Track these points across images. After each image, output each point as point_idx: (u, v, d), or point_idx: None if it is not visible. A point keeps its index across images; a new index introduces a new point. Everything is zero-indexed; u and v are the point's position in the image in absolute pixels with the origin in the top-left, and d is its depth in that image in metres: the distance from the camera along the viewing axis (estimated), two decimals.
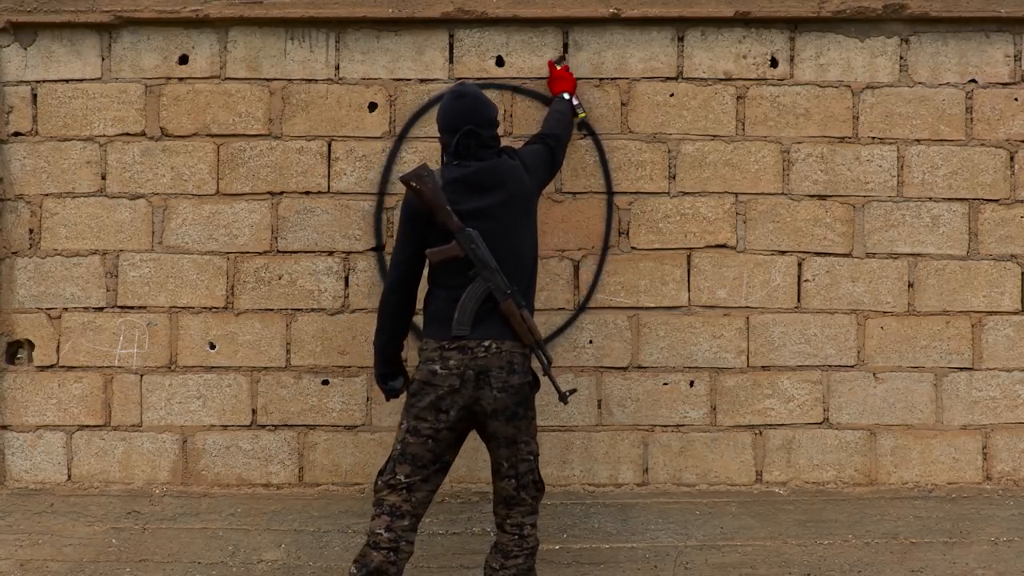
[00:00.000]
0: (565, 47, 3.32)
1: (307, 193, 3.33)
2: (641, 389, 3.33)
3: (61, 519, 3.21)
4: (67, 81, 3.33)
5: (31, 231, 3.34)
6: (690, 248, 3.33)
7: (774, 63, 3.34)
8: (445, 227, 2.49)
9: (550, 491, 3.29)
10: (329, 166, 3.33)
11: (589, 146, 3.32)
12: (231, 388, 3.33)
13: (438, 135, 2.66)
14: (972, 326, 3.35)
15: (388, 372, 2.65)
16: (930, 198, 3.35)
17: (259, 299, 3.32)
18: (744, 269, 3.34)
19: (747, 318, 3.34)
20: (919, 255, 3.35)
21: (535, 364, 2.60)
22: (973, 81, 3.35)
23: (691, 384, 3.33)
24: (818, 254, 3.34)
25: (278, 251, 3.33)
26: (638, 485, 3.33)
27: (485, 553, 2.63)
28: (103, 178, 3.34)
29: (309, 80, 3.32)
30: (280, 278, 3.33)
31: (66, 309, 3.33)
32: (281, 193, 3.33)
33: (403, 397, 2.61)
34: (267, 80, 3.33)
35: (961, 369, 3.35)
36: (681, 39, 3.34)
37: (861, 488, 3.34)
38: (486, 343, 2.47)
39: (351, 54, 3.32)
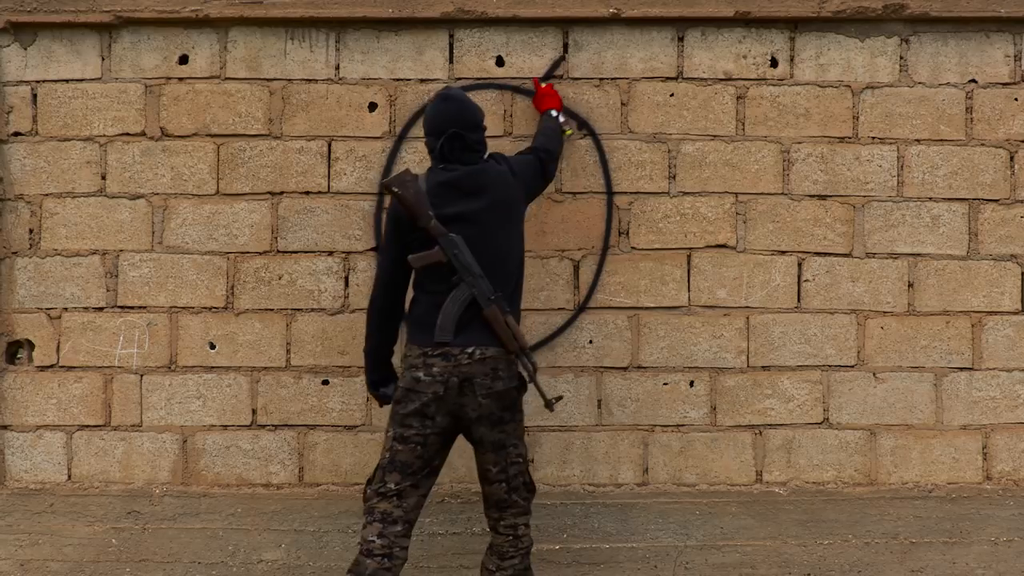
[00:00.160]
0: (565, 47, 3.32)
1: (307, 193, 3.33)
2: (641, 389, 3.33)
3: (61, 519, 3.21)
4: (67, 81, 3.33)
5: (31, 231, 3.34)
6: (690, 248, 3.33)
7: (774, 63, 3.34)
8: (428, 232, 2.47)
9: (550, 491, 3.30)
10: (329, 166, 3.33)
11: (589, 146, 3.32)
12: (231, 388, 3.33)
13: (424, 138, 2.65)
14: (972, 326, 3.35)
15: (379, 378, 2.64)
16: (930, 198, 3.35)
17: (259, 299, 3.32)
18: (744, 269, 3.34)
19: (747, 318, 3.34)
20: (919, 255, 3.35)
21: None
22: (973, 81, 3.35)
23: (691, 384, 3.33)
24: (818, 254, 3.34)
25: (278, 251, 3.33)
26: (638, 485, 3.33)
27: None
28: (103, 178, 3.34)
29: (309, 80, 3.32)
30: (280, 278, 3.33)
31: (66, 309, 3.33)
32: (281, 193, 3.33)
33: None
34: (267, 80, 3.33)
35: (961, 369, 3.35)
36: (681, 39, 3.34)
37: (861, 488, 3.34)
38: (470, 350, 2.45)
39: (351, 54, 3.32)
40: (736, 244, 3.34)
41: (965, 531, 3.17)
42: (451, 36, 3.32)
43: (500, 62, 3.33)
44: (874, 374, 3.35)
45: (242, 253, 3.33)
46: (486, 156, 2.63)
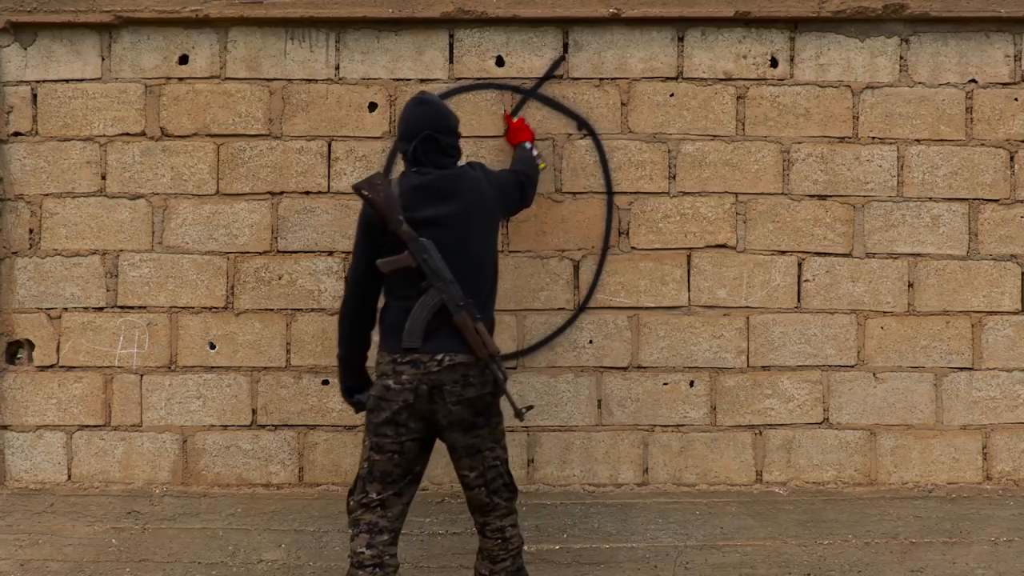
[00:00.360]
0: (565, 47, 3.32)
1: (307, 193, 3.33)
2: (641, 389, 3.33)
3: (61, 519, 3.21)
4: (67, 81, 3.33)
5: (31, 231, 3.34)
6: (690, 248, 3.33)
7: (774, 63, 3.34)
8: (398, 237, 2.42)
9: (550, 491, 3.30)
10: (329, 166, 3.33)
11: (589, 146, 3.32)
12: (231, 388, 3.33)
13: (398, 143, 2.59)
14: (972, 326, 3.35)
15: (353, 386, 2.61)
16: (930, 198, 3.35)
17: (259, 299, 3.32)
18: (744, 269, 3.34)
19: (747, 318, 3.34)
20: (919, 255, 3.35)
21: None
22: (973, 81, 3.35)
23: (691, 384, 3.33)
24: (818, 254, 3.34)
25: (278, 251, 3.33)
26: (638, 485, 3.33)
27: None
28: (103, 178, 3.34)
29: (309, 80, 3.32)
30: (280, 278, 3.33)
31: (66, 309, 3.33)
32: (281, 193, 3.33)
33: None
34: (267, 80, 3.33)
35: (961, 369, 3.35)
36: (681, 39, 3.34)
37: (861, 488, 3.34)
38: (439, 357, 2.40)
39: (351, 54, 3.32)
40: (736, 244, 3.34)
41: (965, 531, 3.17)
42: (451, 36, 3.32)
43: (500, 62, 3.32)
44: (874, 374, 3.35)
45: (242, 253, 3.33)
46: (462, 163, 2.58)
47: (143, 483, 3.33)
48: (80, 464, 3.34)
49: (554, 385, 3.30)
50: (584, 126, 3.31)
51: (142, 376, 3.33)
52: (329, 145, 3.32)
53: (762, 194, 3.33)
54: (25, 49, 3.34)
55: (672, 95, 3.33)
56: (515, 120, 3.21)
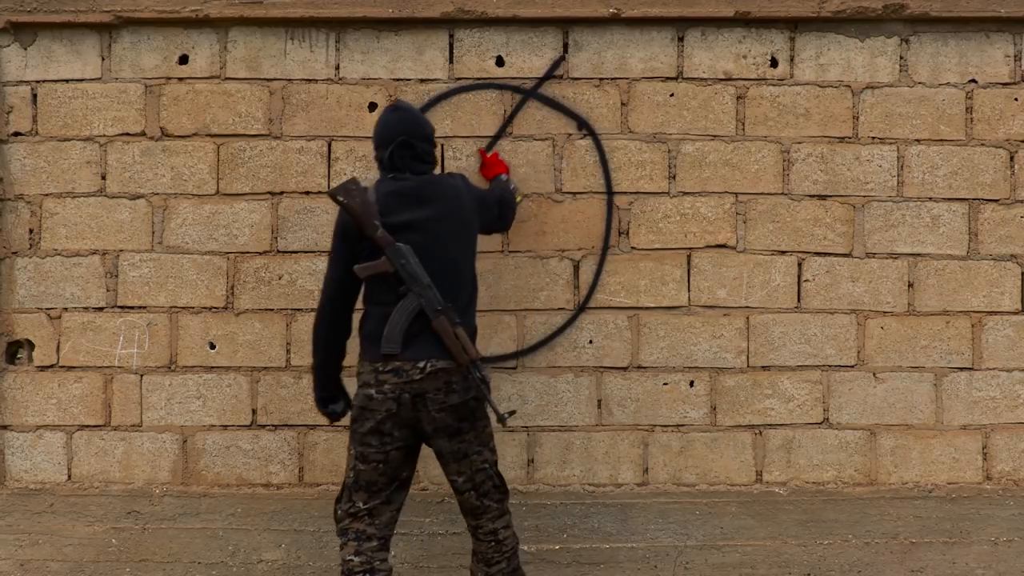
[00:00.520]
0: (565, 47, 3.32)
1: (307, 193, 3.33)
2: (641, 389, 3.33)
3: (61, 519, 3.21)
4: (67, 81, 3.33)
5: (31, 231, 3.34)
6: (690, 248, 3.33)
7: (774, 63, 3.34)
8: (375, 242, 2.41)
9: (550, 491, 3.30)
10: (329, 166, 3.33)
11: (589, 146, 3.32)
12: (231, 388, 3.33)
13: (374, 152, 2.60)
14: (972, 326, 3.35)
15: (327, 396, 2.59)
16: (930, 198, 3.35)
17: (259, 299, 3.32)
18: (744, 269, 3.34)
19: (747, 318, 3.34)
20: (919, 255, 3.35)
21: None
22: (973, 81, 3.35)
23: (691, 384, 3.33)
24: (818, 254, 3.34)
25: (278, 251, 3.33)
26: (638, 485, 3.33)
27: None
28: (103, 178, 3.34)
29: (309, 80, 3.32)
30: (280, 278, 3.33)
31: (66, 309, 3.33)
32: (281, 193, 3.33)
33: (347, 419, 2.56)
34: (267, 80, 3.33)
35: (961, 369, 3.35)
36: (681, 39, 3.34)
37: (861, 488, 3.33)
38: (421, 364, 2.39)
39: (351, 54, 3.32)
40: (736, 244, 3.34)
41: (965, 531, 3.17)
42: (451, 36, 3.32)
43: (500, 62, 3.32)
44: (874, 374, 3.35)
45: (242, 253, 3.33)
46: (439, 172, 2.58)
47: (143, 483, 3.33)
48: (80, 464, 3.34)
49: (554, 385, 3.30)
50: (584, 126, 3.31)
51: (142, 376, 3.33)
52: (329, 145, 3.32)
53: (762, 194, 3.34)
54: (25, 49, 3.34)
55: (672, 95, 3.33)
56: (489, 155, 3.21)
